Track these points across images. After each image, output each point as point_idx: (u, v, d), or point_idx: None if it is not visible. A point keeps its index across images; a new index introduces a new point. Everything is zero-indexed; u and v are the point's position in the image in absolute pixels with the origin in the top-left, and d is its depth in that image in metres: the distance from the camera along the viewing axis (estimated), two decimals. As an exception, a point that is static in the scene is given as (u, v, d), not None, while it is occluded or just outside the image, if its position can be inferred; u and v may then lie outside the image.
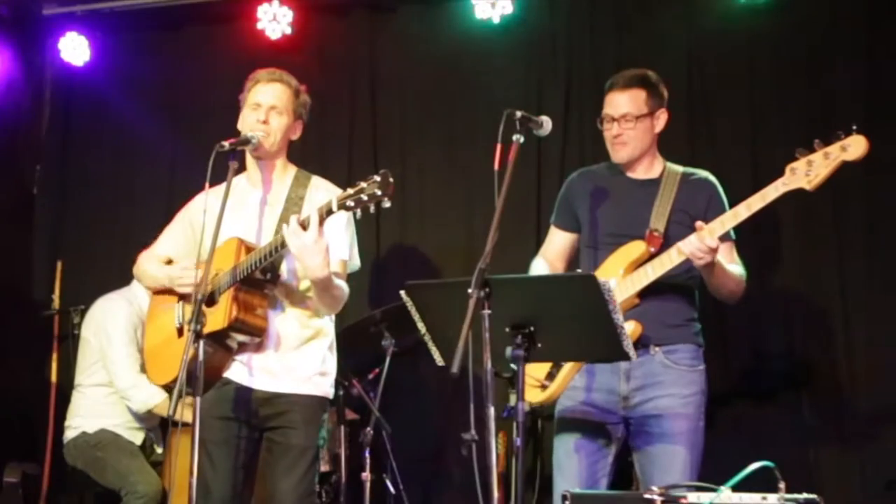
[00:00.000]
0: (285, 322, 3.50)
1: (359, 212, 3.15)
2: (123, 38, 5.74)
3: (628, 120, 3.54)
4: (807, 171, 3.19)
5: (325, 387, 3.58)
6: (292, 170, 3.67)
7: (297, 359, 3.51)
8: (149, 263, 3.74)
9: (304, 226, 3.21)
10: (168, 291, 3.64)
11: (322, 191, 3.61)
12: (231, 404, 3.45)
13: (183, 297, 3.60)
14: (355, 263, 3.64)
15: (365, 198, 3.10)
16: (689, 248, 3.25)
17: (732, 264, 3.49)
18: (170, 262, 3.70)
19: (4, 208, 5.71)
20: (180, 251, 3.69)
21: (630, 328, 3.36)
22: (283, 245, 3.26)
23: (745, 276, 3.51)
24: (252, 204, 3.59)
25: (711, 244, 3.22)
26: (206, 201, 3.42)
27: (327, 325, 3.61)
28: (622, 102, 3.56)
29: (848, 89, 4.68)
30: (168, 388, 3.61)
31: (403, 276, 3.12)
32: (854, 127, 3.15)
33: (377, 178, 3.09)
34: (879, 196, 4.53)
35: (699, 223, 3.27)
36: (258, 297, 3.43)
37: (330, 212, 3.17)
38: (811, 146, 3.21)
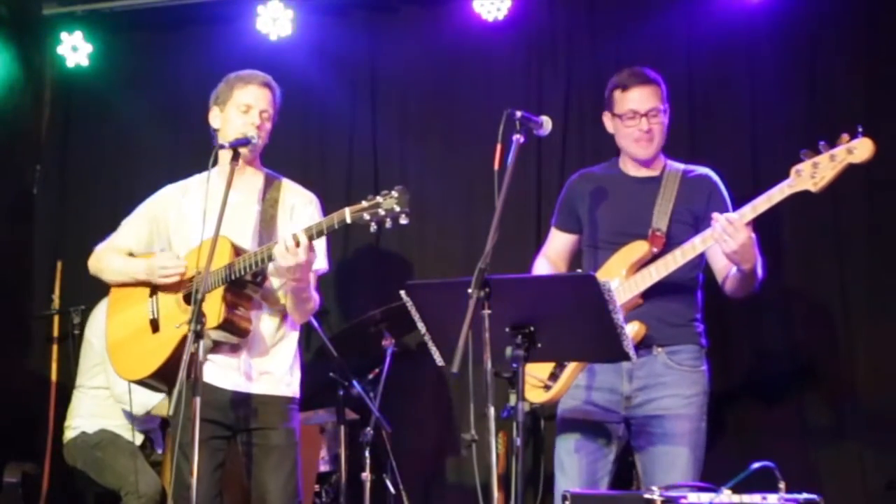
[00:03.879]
0: (261, 324, 3.52)
1: (374, 225, 3.15)
2: (123, 38, 5.74)
3: (654, 115, 3.53)
4: (812, 174, 3.17)
5: (294, 387, 3.60)
6: (262, 172, 3.67)
7: (269, 361, 3.53)
8: (111, 257, 3.67)
9: (295, 242, 3.21)
10: (134, 284, 3.59)
11: (296, 195, 3.63)
12: (205, 406, 3.33)
13: (156, 291, 3.56)
14: (324, 266, 3.61)
15: (382, 212, 3.10)
16: (718, 228, 3.20)
17: None
18: (131, 254, 3.66)
19: (4, 208, 5.71)
20: (142, 245, 3.66)
21: (634, 329, 3.36)
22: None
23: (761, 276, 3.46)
24: (230, 203, 3.46)
25: (732, 217, 3.19)
26: (169, 193, 3.38)
27: (294, 328, 3.63)
28: (647, 96, 3.54)
29: (848, 89, 4.68)
30: (142, 383, 3.59)
31: (403, 276, 3.12)
32: (860, 129, 3.14)
33: (395, 194, 3.10)
34: (880, 195, 4.53)
35: (715, 215, 3.24)
36: (244, 299, 3.43)
37: (343, 221, 3.17)
38: (813, 147, 3.20)
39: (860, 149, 3.13)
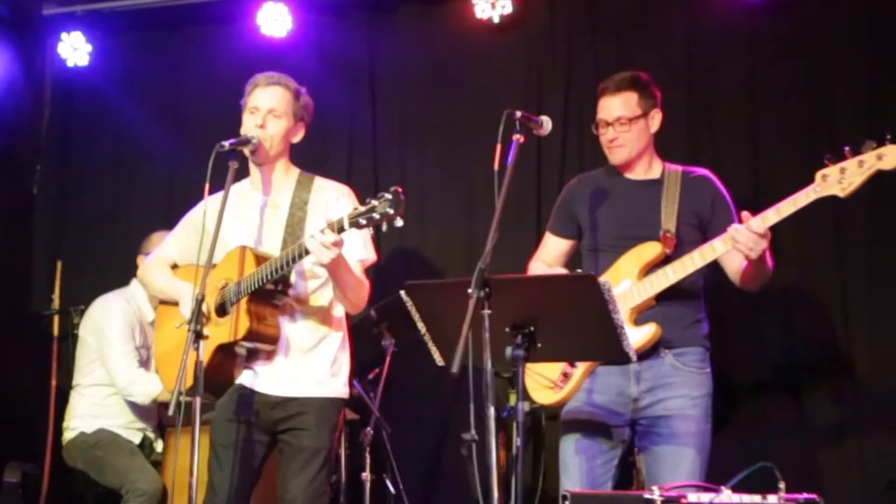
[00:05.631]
0: (296, 328, 3.50)
1: (371, 230, 3.14)
2: (123, 38, 5.75)
3: (622, 123, 3.54)
4: (840, 179, 3.15)
5: (337, 387, 3.57)
6: (295, 172, 3.65)
7: (307, 363, 3.51)
8: (155, 270, 3.73)
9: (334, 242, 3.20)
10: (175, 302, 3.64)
11: (329, 191, 3.60)
12: (242, 407, 3.46)
13: None
14: (371, 256, 3.58)
15: (377, 216, 3.07)
16: (743, 239, 3.19)
17: None
18: (175, 266, 3.71)
19: (4, 208, 5.71)
20: (185, 255, 3.68)
21: (651, 331, 3.38)
22: (298, 257, 3.26)
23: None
24: (256, 208, 3.58)
25: (759, 230, 3.18)
26: (208, 204, 3.43)
27: (336, 321, 3.60)
28: (615, 106, 3.56)
29: (848, 89, 4.68)
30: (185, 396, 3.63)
31: (403, 276, 3.12)
32: (888, 136, 3.11)
33: (388, 196, 3.06)
34: (880, 195, 4.52)
35: (746, 213, 3.24)
36: (270, 307, 3.43)
37: (342, 229, 3.16)
38: (835, 152, 3.18)
39: (890, 155, 3.10)
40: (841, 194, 3.17)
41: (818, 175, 3.19)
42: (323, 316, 3.55)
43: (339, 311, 3.60)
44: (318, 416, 3.49)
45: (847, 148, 3.16)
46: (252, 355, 3.49)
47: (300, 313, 3.51)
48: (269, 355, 3.48)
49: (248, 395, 3.48)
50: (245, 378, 3.51)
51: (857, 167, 3.14)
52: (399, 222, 3.07)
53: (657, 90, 3.63)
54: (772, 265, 3.43)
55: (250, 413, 3.47)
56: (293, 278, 3.46)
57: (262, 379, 3.49)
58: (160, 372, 3.82)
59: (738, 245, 3.22)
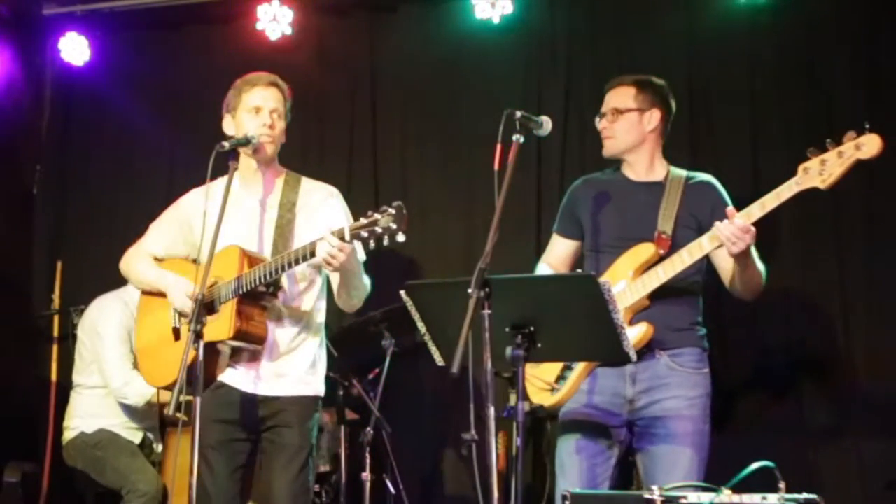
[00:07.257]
0: (281, 330, 3.51)
1: (372, 243, 3.13)
2: (123, 38, 5.74)
3: (613, 114, 3.60)
4: (820, 171, 3.16)
5: (316, 385, 3.59)
6: (282, 173, 3.66)
7: (288, 362, 3.53)
8: (139, 262, 3.71)
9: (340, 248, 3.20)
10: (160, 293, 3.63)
11: (317, 192, 3.61)
12: (226, 408, 3.47)
13: None
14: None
15: (379, 230, 3.07)
16: (726, 232, 3.20)
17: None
18: (157, 258, 3.69)
19: (4, 208, 5.71)
20: (170, 249, 3.67)
21: (643, 330, 3.38)
22: (302, 258, 3.26)
23: (765, 270, 3.47)
24: (247, 208, 3.58)
25: (741, 224, 3.19)
26: (205, 202, 3.43)
27: (317, 324, 3.62)
28: (610, 98, 3.64)
29: (848, 89, 4.68)
30: (169, 389, 3.61)
31: (403, 276, 3.12)
32: (867, 125, 3.13)
33: (392, 211, 3.06)
34: (879, 194, 4.53)
35: (730, 209, 3.25)
36: (258, 308, 3.44)
37: (342, 239, 3.15)
38: (816, 145, 3.18)
39: (868, 144, 3.12)
40: (821, 186, 3.18)
41: (800, 168, 3.21)
42: (307, 319, 3.57)
43: (320, 316, 3.63)
44: (300, 413, 3.51)
45: (829, 140, 3.17)
46: (236, 354, 3.48)
47: (287, 316, 3.52)
48: (254, 355, 3.48)
49: (229, 393, 3.48)
50: (227, 377, 3.50)
51: (836, 158, 3.15)
52: (401, 237, 3.07)
53: (665, 94, 3.64)
54: (762, 267, 3.42)
55: (234, 412, 3.47)
56: (283, 281, 3.47)
57: (244, 378, 3.50)
58: (141, 364, 3.77)
59: (722, 238, 3.22)
